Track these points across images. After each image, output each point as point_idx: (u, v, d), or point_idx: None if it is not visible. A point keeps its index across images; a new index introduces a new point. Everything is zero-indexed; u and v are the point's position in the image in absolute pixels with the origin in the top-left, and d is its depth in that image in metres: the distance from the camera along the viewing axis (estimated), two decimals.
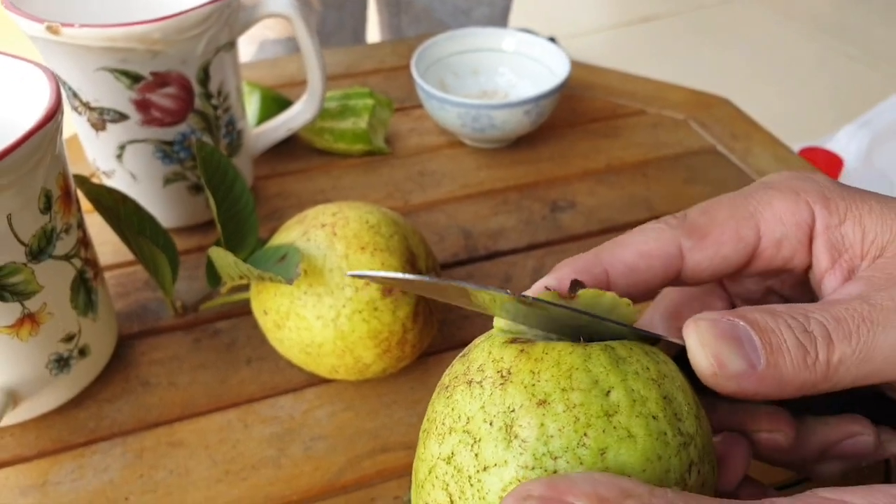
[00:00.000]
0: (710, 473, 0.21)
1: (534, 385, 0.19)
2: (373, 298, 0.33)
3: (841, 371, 0.21)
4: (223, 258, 0.34)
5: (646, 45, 2.17)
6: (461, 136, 0.55)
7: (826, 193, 0.24)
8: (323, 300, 0.33)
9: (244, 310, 0.42)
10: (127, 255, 0.46)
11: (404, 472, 0.34)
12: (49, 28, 0.37)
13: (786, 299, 0.28)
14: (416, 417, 0.37)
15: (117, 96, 0.40)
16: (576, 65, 0.62)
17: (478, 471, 0.19)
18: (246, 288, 0.39)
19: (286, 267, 0.32)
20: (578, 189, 0.52)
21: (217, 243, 0.37)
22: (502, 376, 0.20)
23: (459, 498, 0.19)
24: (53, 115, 0.30)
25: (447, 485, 0.20)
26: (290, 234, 0.35)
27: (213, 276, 0.39)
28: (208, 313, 0.42)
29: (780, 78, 1.96)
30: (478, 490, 0.19)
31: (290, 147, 0.55)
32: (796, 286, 0.27)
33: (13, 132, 0.30)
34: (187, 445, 0.36)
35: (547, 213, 0.50)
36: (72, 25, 0.37)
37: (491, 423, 0.19)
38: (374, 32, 0.99)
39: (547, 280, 0.24)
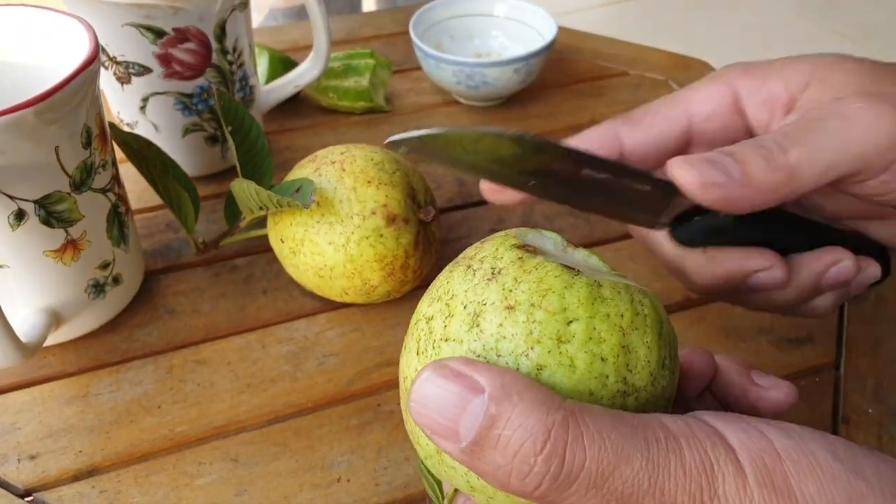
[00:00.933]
0: None
1: (510, 291, 0.21)
2: (378, 226, 0.37)
3: (801, 170, 0.26)
4: (246, 189, 0.38)
5: (639, 21, 2.19)
6: (456, 93, 0.59)
7: (745, 68, 0.30)
8: (334, 228, 0.37)
9: (260, 248, 0.46)
10: (150, 200, 0.49)
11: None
12: None
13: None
14: None
15: (142, 51, 0.44)
16: (564, 30, 0.66)
17: (441, 339, 0.22)
18: (262, 225, 0.43)
19: (302, 195, 0.36)
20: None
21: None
22: (493, 272, 0.22)
23: (423, 353, 0.22)
24: (94, 59, 0.34)
25: (419, 339, 0.23)
26: (303, 171, 0.39)
27: (232, 213, 0.43)
28: (227, 251, 0.46)
29: (771, 53, 1.99)
30: (435, 353, 0.22)
31: (297, 105, 0.59)
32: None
33: (56, 76, 0.33)
34: (211, 363, 0.40)
35: None
36: None
37: (465, 307, 0.22)
38: (369, 4, 1.02)
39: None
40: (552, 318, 0.20)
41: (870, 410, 0.38)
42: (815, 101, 0.28)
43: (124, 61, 0.44)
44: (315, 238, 0.38)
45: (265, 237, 0.43)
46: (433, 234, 0.41)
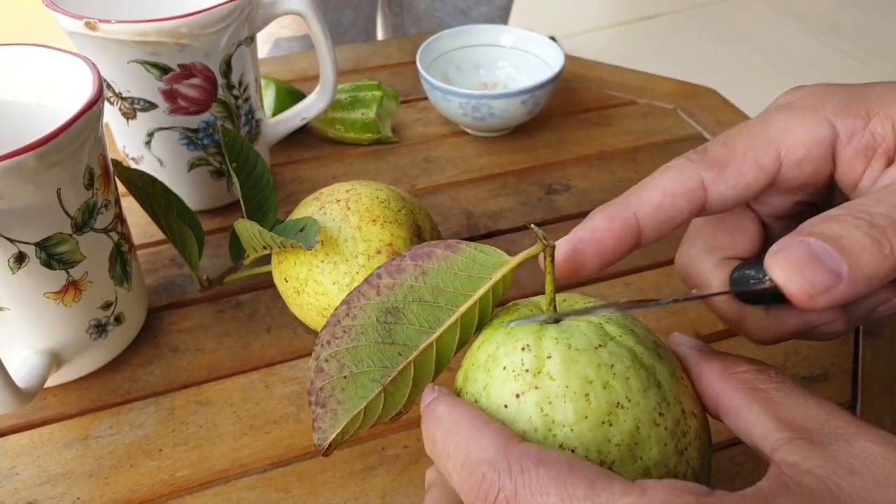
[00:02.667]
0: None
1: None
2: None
3: None
4: (249, 229, 0.37)
5: (646, 43, 2.20)
6: (463, 125, 0.58)
7: (845, 100, 0.25)
8: (338, 267, 0.37)
9: (264, 283, 0.45)
10: (153, 235, 0.49)
11: (413, 425, 0.38)
12: (87, 24, 0.40)
13: (817, 208, 0.28)
14: None
15: (147, 87, 0.44)
16: (571, 58, 0.65)
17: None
18: (266, 261, 0.42)
19: (306, 235, 0.35)
20: (573, 173, 0.55)
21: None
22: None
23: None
24: (97, 100, 0.34)
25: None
26: (307, 209, 0.39)
27: (236, 250, 0.42)
28: (231, 287, 0.46)
29: (777, 74, 1.99)
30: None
31: (304, 136, 0.59)
32: (823, 194, 0.28)
33: (60, 117, 0.33)
34: (214, 404, 0.39)
35: (543, 196, 0.53)
36: (108, 21, 0.40)
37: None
38: (378, 31, 1.02)
39: (581, 230, 0.26)
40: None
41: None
42: None
43: (130, 97, 0.44)
44: (319, 278, 0.37)
45: (270, 273, 0.42)
46: None
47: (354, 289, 0.27)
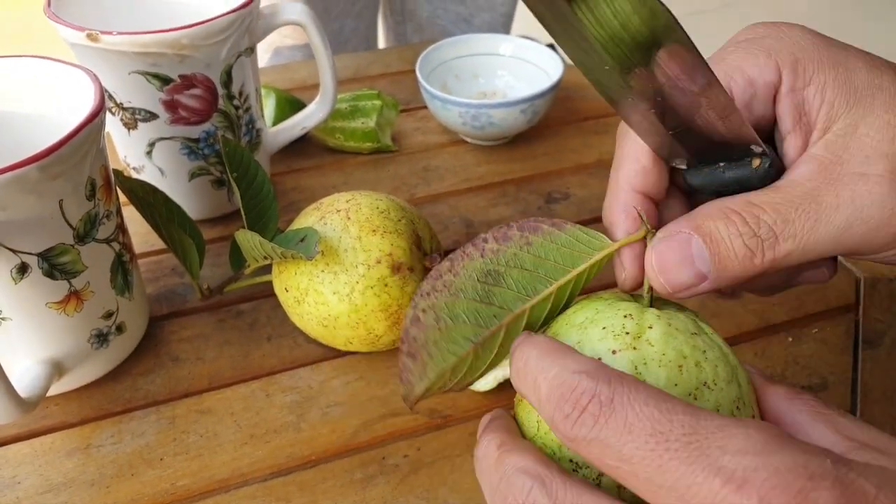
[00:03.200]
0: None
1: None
2: (383, 276, 0.37)
3: (785, 261, 0.25)
4: (249, 240, 0.37)
5: None
6: (462, 134, 0.59)
7: (797, 54, 0.26)
8: (339, 277, 0.37)
9: (264, 293, 0.46)
10: (155, 245, 0.49)
11: (412, 434, 0.38)
12: (89, 36, 0.41)
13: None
14: None
15: (148, 97, 0.44)
16: (570, 67, 0.66)
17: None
18: (267, 271, 0.42)
19: (306, 246, 0.36)
20: (571, 182, 0.56)
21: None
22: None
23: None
24: (99, 112, 0.34)
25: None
26: (308, 219, 0.39)
27: (237, 259, 0.42)
28: (231, 296, 0.46)
29: None
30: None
31: (304, 146, 0.59)
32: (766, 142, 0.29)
33: (63, 129, 0.33)
34: (215, 413, 0.39)
35: (542, 204, 0.54)
36: (110, 33, 0.40)
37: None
38: (380, 39, 1.03)
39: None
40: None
41: None
42: (836, 158, 0.25)
43: (131, 107, 0.45)
44: (319, 287, 0.37)
45: (270, 282, 0.42)
46: None
47: (459, 248, 0.28)
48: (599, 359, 0.23)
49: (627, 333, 0.24)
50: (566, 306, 0.28)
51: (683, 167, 0.29)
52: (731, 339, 0.43)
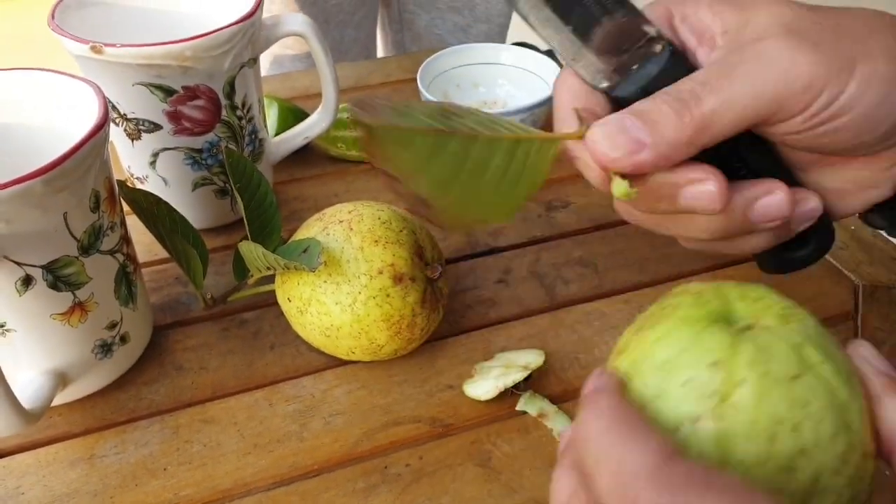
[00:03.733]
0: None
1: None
2: (385, 286, 0.37)
3: (716, 118, 0.27)
4: (252, 251, 0.38)
5: None
6: None
7: None
8: (341, 288, 0.37)
9: (268, 301, 0.46)
10: (158, 254, 0.50)
11: (414, 443, 0.38)
12: (93, 48, 0.41)
13: None
14: (424, 395, 0.40)
15: (152, 108, 0.44)
16: None
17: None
18: (270, 280, 0.43)
19: (309, 257, 0.36)
20: (572, 190, 0.56)
21: (244, 239, 0.41)
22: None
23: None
24: (102, 126, 0.35)
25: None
26: (310, 230, 0.39)
27: (240, 269, 0.43)
28: (235, 305, 0.46)
29: None
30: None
31: (307, 155, 0.60)
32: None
33: (66, 142, 0.34)
34: (218, 422, 0.40)
35: (543, 213, 0.54)
36: (113, 45, 0.41)
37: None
38: (378, 48, 1.03)
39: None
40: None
41: (887, 472, 0.37)
42: (737, 41, 0.28)
43: (135, 118, 0.45)
44: (322, 298, 0.38)
45: (274, 291, 0.42)
46: (440, 291, 0.40)
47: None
48: (678, 428, 0.21)
49: (713, 394, 0.20)
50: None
51: (606, 85, 0.31)
52: None
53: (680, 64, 0.29)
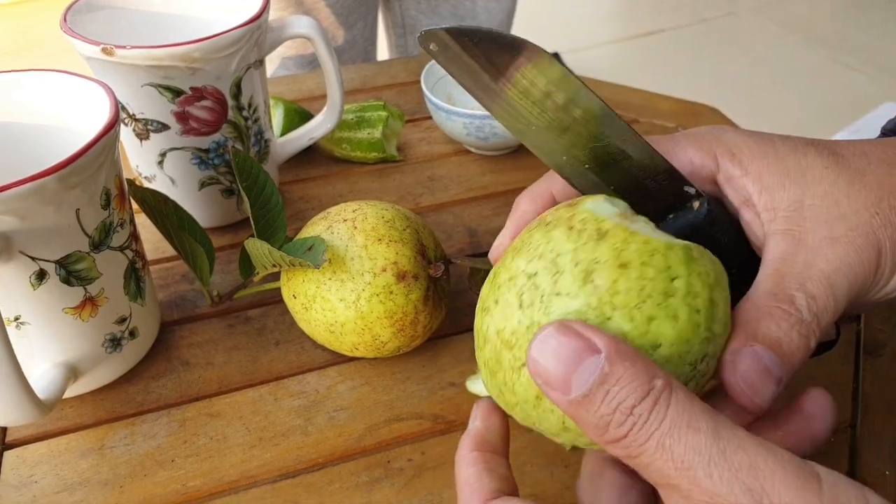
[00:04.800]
0: (713, 367, 0.25)
1: (621, 251, 0.24)
2: (388, 283, 0.38)
3: (825, 332, 0.27)
4: (259, 248, 0.38)
5: (649, 58, 2.22)
6: (466, 144, 0.60)
7: (733, 150, 0.30)
8: (345, 285, 0.38)
9: (273, 299, 0.47)
10: (166, 252, 0.51)
11: (417, 438, 0.39)
12: (104, 50, 0.42)
13: None
14: (427, 391, 0.41)
15: (160, 109, 0.45)
16: None
17: (552, 293, 0.24)
18: (275, 278, 0.44)
19: (314, 254, 0.37)
20: None
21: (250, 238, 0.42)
22: (599, 234, 0.24)
23: (527, 306, 0.24)
24: (114, 124, 0.36)
25: (521, 293, 0.25)
26: (315, 228, 0.40)
27: (246, 267, 0.44)
28: (241, 302, 0.47)
29: (781, 90, 2.01)
30: (545, 307, 0.24)
31: (312, 156, 0.61)
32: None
33: (78, 140, 0.35)
34: (224, 416, 0.41)
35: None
36: (124, 47, 0.42)
37: (576, 264, 0.24)
38: (382, 52, 1.04)
39: (512, 218, 0.32)
40: (660, 275, 0.23)
41: (887, 472, 0.38)
42: (800, 221, 0.28)
43: (143, 119, 0.46)
44: (326, 295, 0.38)
45: (279, 289, 0.43)
46: (443, 289, 0.41)
47: None
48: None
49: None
50: None
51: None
52: None
53: (714, 213, 0.30)
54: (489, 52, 0.26)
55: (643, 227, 0.25)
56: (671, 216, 0.30)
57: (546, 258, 0.25)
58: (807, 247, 0.28)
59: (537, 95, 0.27)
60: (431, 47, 0.26)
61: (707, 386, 0.26)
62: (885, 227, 0.27)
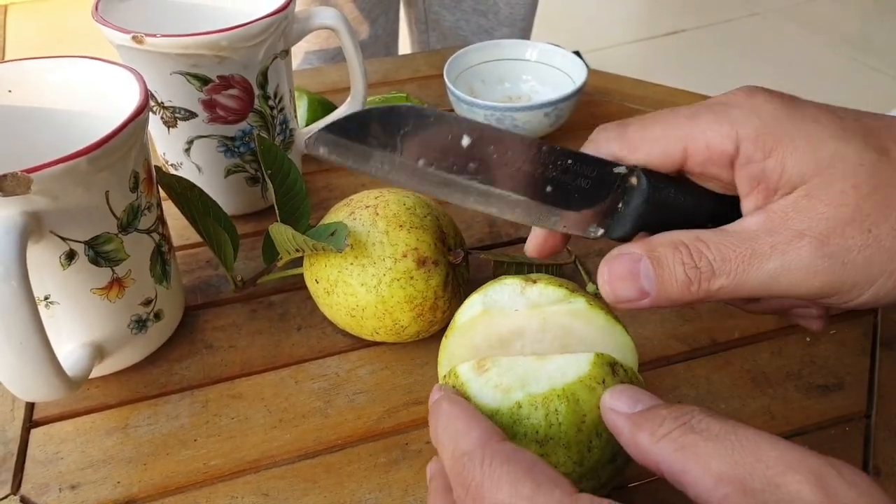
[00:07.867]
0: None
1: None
2: (409, 269, 0.39)
3: (719, 294, 0.28)
4: (283, 233, 0.39)
5: (671, 59, 2.20)
6: None
7: (760, 129, 0.28)
8: (367, 270, 0.39)
9: (295, 285, 0.47)
10: (191, 238, 0.51)
11: None
12: (134, 38, 0.43)
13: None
14: None
15: (188, 97, 0.46)
16: (593, 72, 0.67)
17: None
18: (298, 264, 0.44)
19: (336, 239, 0.37)
20: None
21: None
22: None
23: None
24: (144, 108, 0.36)
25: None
26: (338, 214, 0.41)
27: (270, 253, 0.44)
28: (264, 288, 0.48)
29: (804, 90, 1.98)
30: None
31: None
32: (729, 185, 0.31)
33: (108, 125, 0.36)
34: (246, 398, 0.41)
35: None
36: (154, 36, 0.43)
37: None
38: (405, 48, 1.05)
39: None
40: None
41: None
42: (783, 218, 0.28)
43: (171, 106, 0.47)
44: (348, 279, 0.39)
45: (301, 276, 0.44)
46: (462, 276, 0.42)
47: None
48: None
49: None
50: None
51: (601, 233, 0.32)
52: (749, 338, 0.44)
53: (661, 185, 0.30)
54: (374, 132, 0.29)
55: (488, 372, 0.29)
56: (620, 205, 0.31)
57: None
58: (769, 227, 0.28)
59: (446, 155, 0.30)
60: (321, 151, 0.29)
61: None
62: (869, 246, 0.27)
